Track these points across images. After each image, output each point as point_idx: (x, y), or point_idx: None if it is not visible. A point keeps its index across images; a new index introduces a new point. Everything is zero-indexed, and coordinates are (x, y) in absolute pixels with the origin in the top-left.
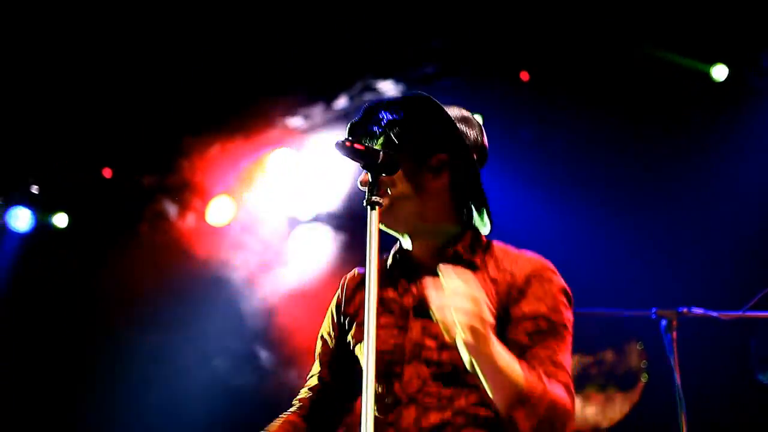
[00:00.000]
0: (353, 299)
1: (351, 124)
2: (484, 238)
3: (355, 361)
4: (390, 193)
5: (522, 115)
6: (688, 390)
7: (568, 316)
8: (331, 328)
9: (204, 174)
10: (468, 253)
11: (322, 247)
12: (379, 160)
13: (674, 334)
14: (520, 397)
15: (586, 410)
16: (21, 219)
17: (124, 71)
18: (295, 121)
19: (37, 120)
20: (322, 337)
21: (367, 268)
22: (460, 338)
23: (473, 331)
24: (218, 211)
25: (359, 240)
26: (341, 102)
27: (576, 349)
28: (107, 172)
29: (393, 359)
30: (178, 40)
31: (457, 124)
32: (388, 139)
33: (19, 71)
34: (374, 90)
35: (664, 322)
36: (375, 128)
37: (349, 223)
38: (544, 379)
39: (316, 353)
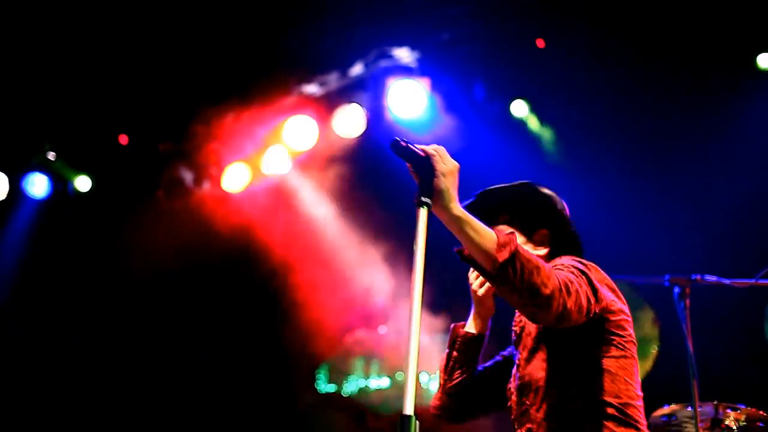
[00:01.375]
0: None
1: (473, 204)
2: None
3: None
4: None
5: (537, 83)
6: (700, 357)
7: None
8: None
9: (220, 141)
10: None
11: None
12: (429, 163)
13: (687, 301)
14: (501, 242)
15: None
16: (38, 185)
17: (141, 38)
18: (311, 89)
19: (53, 87)
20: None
21: (415, 262)
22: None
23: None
24: (234, 178)
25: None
26: (357, 69)
27: None
28: (123, 139)
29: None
30: (196, 8)
31: (557, 206)
32: (510, 217)
33: (37, 39)
34: (390, 57)
35: (677, 290)
36: (496, 208)
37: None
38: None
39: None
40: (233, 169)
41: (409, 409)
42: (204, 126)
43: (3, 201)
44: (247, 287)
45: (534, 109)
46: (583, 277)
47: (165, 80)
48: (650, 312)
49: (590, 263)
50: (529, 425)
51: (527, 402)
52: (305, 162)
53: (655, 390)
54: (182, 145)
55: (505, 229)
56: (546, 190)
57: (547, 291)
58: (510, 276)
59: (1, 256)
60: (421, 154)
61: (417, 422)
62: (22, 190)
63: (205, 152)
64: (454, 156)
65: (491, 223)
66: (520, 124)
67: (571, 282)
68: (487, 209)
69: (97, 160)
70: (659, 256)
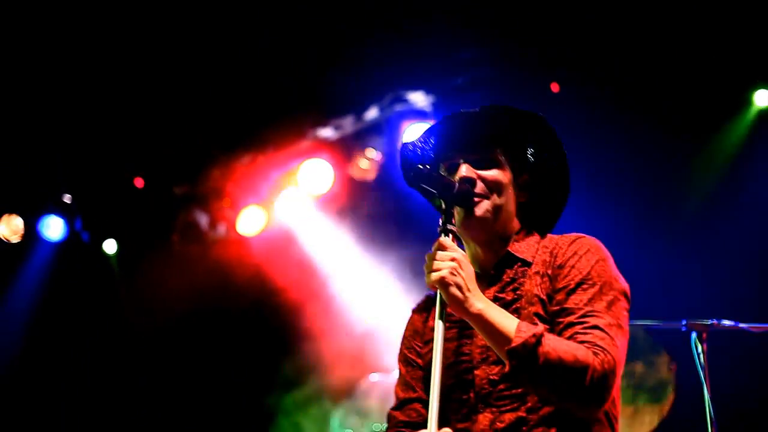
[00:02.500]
0: (427, 321)
1: (463, 114)
2: (537, 234)
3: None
4: (492, 199)
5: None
6: (717, 403)
7: (610, 279)
8: (414, 353)
9: (235, 184)
10: (520, 250)
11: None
12: (455, 190)
13: (704, 346)
14: (513, 351)
15: None
16: (53, 228)
17: (156, 81)
18: (326, 132)
19: (70, 130)
20: (406, 362)
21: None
22: (444, 295)
23: (450, 285)
24: (249, 221)
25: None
26: (372, 113)
27: None
28: (139, 182)
29: (464, 368)
30: (211, 51)
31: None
32: (506, 150)
33: (53, 81)
34: (405, 101)
35: (694, 334)
36: (490, 133)
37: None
38: (548, 335)
39: (399, 382)
40: (248, 213)
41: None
42: (219, 169)
43: (19, 243)
44: (262, 331)
45: None
46: (619, 342)
47: (181, 124)
48: (666, 356)
49: (620, 286)
50: (517, 411)
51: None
52: (321, 205)
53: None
54: (197, 189)
55: (530, 318)
56: (555, 136)
57: (574, 398)
58: (523, 380)
59: (16, 298)
60: (448, 179)
61: None
62: (37, 232)
63: (220, 196)
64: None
65: (485, 149)
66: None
67: (613, 366)
68: (488, 130)
69: (112, 203)
70: (676, 300)
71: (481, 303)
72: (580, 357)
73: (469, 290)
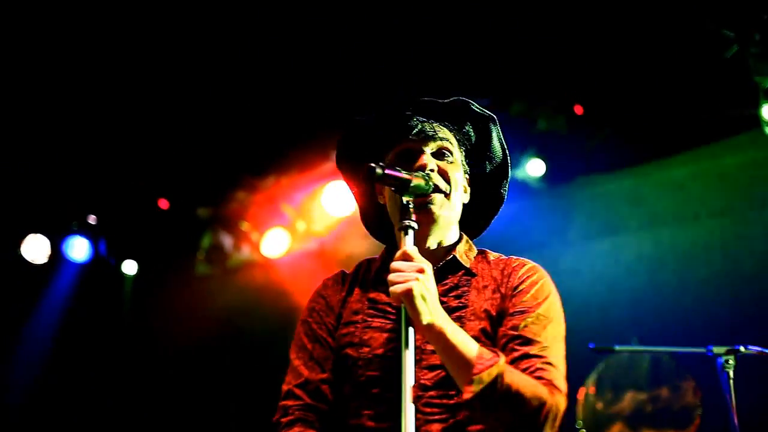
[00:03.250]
0: (347, 302)
1: (424, 102)
2: (474, 247)
3: (345, 363)
4: (449, 194)
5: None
6: (745, 428)
7: (561, 316)
8: (326, 330)
9: (259, 206)
10: (464, 259)
11: None
12: (411, 185)
13: (731, 372)
14: (471, 375)
15: None
16: (78, 249)
17: (182, 105)
18: None
19: (94, 151)
20: (315, 338)
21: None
22: (407, 310)
23: (417, 299)
24: (273, 243)
25: None
26: None
27: (631, 386)
28: (164, 204)
29: (390, 364)
30: (236, 75)
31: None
32: (462, 142)
33: (79, 104)
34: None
35: (720, 360)
36: (450, 124)
37: None
38: (508, 367)
39: (302, 359)
40: (273, 235)
41: None
42: (244, 191)
43: (44, 264)
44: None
45: (568, 172)
46: (555, 372)
47: (205, 146)
48: (692, 381)
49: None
50: (445, 422)
51: (456, 395)
52: (345, 227)
53: None
54: (222, 211)
55: (478, 342)
56: (503, 142)
57: (527, 427)
58: (476, 408)
59: (41, 318)
60: (402, 176)
61: None
62: (62, 253)
63: (244, 218)
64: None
65: (444, 140)
66: (553, 191)
67: (563, 406)
68: (449, 120)
69: (136, 225)
70: (702, 326)
71: (443, 320)
72: (538, 393)
73: (433, 305)
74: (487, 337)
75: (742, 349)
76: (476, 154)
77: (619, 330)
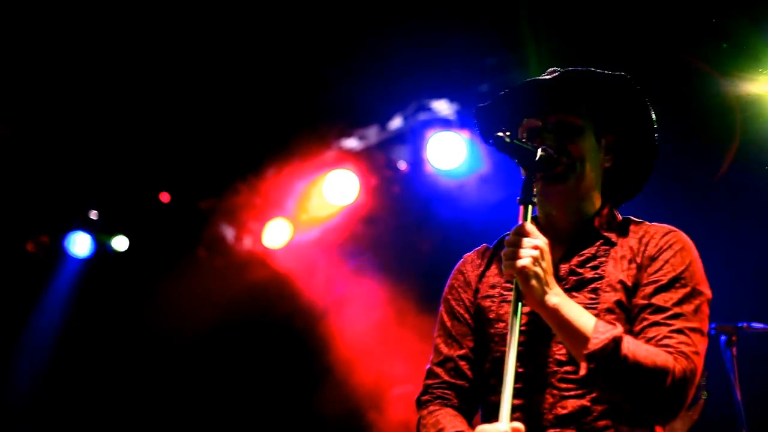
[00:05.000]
0: (485, 276)
1: (542, 79)
2: (619, 215)
3: (490, 340)
4: (577, 169)
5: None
6: (748, 405)
7: (701, 283)
8: (463, 306)
9: (260, 197)
10: (604, 228)
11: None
12: (537, 159)
13: (734, 350)
14: (591, 354)
15: None
16: (80, 244)
17: (180, 95)
18: (351, 143)
19: (95, 147)
20: (454, 315)
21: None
22: (522, 285)
23: (530, 277)
24: (275, 234)
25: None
26: (396, 122)
27: None
28: (165, 197)
29: (526, 339)
30: (236, 66)
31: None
32: (589, 111)
33: (78, 98)
34: (429, 110)
35: (723, 338)
36: (573, 98)
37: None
38: (626, 338)
39: (442, 337)
40: (274, 225)
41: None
42: (244, 182)
43: (46, 260)
44: (289, 345)
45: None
46: (688, 341)
47: (205, 137)
48: None
49: (706, 295)
50: (581, 398)
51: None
52: (346, 216)
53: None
54: (223, 202)
55: (612, 314)
56: (640, 93)
57: (652, 401)
58: (595, 382)
59: (44, 314)
60: (525, 148)
61: None
62: (64, 249)
63: (245, 208)
64: (495, 207)
65: (567, 110)
66: None
67: (693, 373)
68: (569, 91)
69: (138, 219)
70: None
71: (557, 297)
72: (659, 362)
73: (548, 283)
74: (623, 309)
75: (745, 326)
76: (616, 118)
77: None
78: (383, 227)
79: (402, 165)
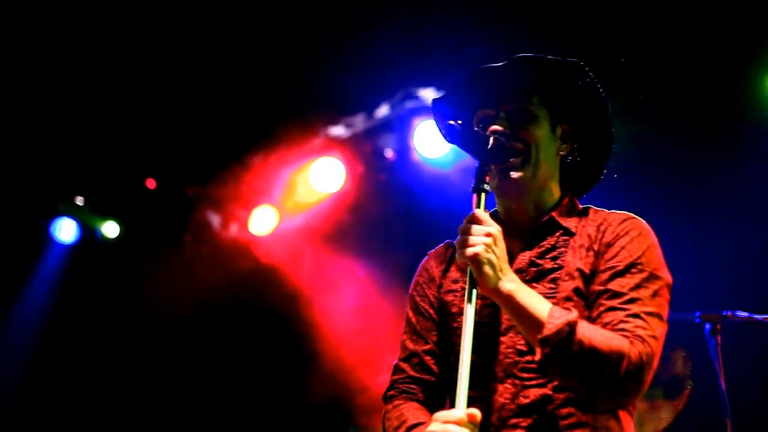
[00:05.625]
0: (448, 271)
1: (489, 66)
2: (579, 204)
3: (454, 334)
4: (532, 157)
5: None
6: (733, 395)
7: (658, 268)
8: (428, 302)
9: (247, 184)
10: (564, 218)
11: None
12: (489, 147)
13: (718, 338)
14: (545, 339)
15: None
16: (66, 231)
17: (166, 82)
18: (338, 130)
19: (80, 132)
20: (418, 311)
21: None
22: (475, 273)
23: (483, 263)
24: (261, 221)
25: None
26: (383, 110)
27: None
28: (151, 183)
29: (487, 331)
30: (221, 51)
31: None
32: (542, 99)
33: (63, 82)
34: (415, 98)
35: (708, 326)
36: (526, 85)
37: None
38: (582, 322)
39: (408, 333)
40: (260, 212)
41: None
42: (231, 169)
43: (31, 247)
44: (275, 331)
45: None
46: (646, 326)
47: (191, 124)
48: (681, 351)
49: (665, 280)
50: (543, 387)
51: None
52: (332, 204)
53: (688, 429)
54: (209, 189)
55: (570, 302)
56: (593, 79)
57: (608, 386)
58: (552, 369)
59: (29, 301)
60: (480, 135)
61: None
62: (50, 235)
63: (232, 195)
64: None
65: (520, 98)
66: None
67: (650, 357)
68: (522, 79)
69: (124, 205)
70: (688, 292)
71: (512, 283)
72: (614, 346)
73: (501, 270)
74: (581, 297)
75: (729, 315)
76: (571, 106)
77: None
78: (369, 215)
79: (389, 153)
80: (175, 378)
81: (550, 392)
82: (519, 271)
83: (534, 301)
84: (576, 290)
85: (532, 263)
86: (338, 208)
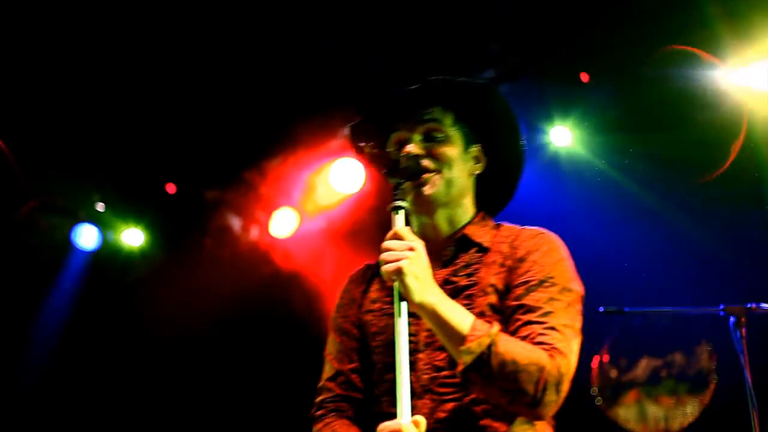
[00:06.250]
0: (367, 292)
1: (403, 89)
2: (492, 221)
3: (373, 353)
4: (444, 174)
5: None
6: (759, 388)
7: (570, 281)
8: (350, 322)
9: (267, 186)
10: (478, 235)
11: None
12: (401, 167)
13: (743, 330)
14: (467, 351)
15: (656, 413)
16: (87, 237)
17: (185, 86)
18: None
19: (100, 137)
20: (342, 331)
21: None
22: (398, 289)
23: (406, 276)
24: (282, 223)
25: None
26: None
27: (644, 349)
28: (171, 188)
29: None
30: (241, 53)
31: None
32: (457, 118)
33: (82, 89)
34: None
35: (732, 319)
36: (443, 99)
37: None
38: (502, 335)
39: (332, 353)
40: (280, 215)
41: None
42: (250, 172)
43: (54, 252)
44: (296, 335)
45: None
46: (574, 346)
47: (210, 127)
48: (706, 345)
49: (578, 293)
50: (459, 401)
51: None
52: (353, 205)
53: (715, 423)
54: (229, 193)
55: (484, 317)
56: (504, 100)
57: (528, 399)
58: (474, 380)
59: (52, 307)
60: (389, 157)
61: None
62: (71, 241)
63: (251, 198)
64: None
65: (432, 119)
66: (566, 156)
67: (568, 369)
68: (434, 101)
69: (144, 210)
70: (713, 285)
71: (435, 297)
72: (534, 358)
73: (425, 283)
74: (496, 311)
75: (753, 307)
76: (482, 126)
77: (629, 292)
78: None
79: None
80: (196, 383)
81: (467, 405)
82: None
83: (457, 314)
84: (490, 305)
85: (447, 281)
86: (359, 209)
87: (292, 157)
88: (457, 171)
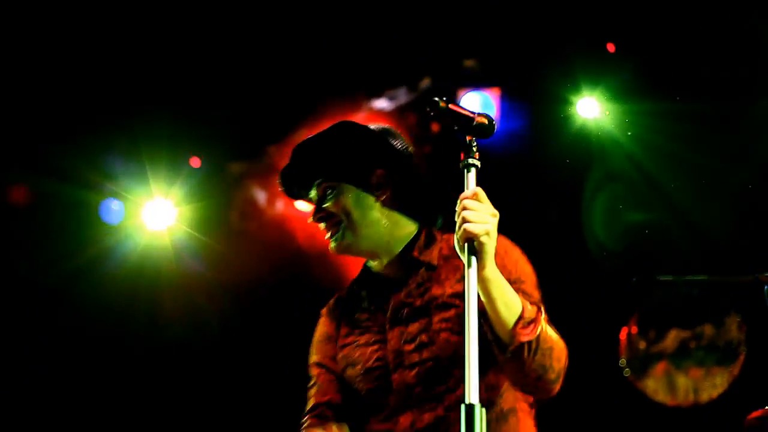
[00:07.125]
0: (340, 325)
1: (283, 172)
2: (438, 234)
3: (348, 383)
4: (344, 224)
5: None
6: None
7: (532, 273)
8: (328, 359)
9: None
10: (424, 254)
11: None
12: (474, 123)
13: None
14: (526, 320)
15: (685, 384)
16: (113, 212)
17: (208, 61)
18: (381, 103)
19: (122, 112)
20: (319, 366)
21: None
22: (476, 253)
23: (491, 241)
24: None
25: None
26: (425, 82)
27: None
28: (195, 162)
29: (380, 373)
30: (265, 25)
31: (388, 139)
32: (327, 176)
33: (106, 65)
34: (459, 68)
35: (766, 288)
36: (309, 170)
37: None
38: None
39: (317, 383)
40: None
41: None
42: (275, 145)
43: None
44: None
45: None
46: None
47: (234, 100)
48: (736, 316)
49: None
50: (435, 410)
51: (439, 384)
52: None
53: (747, 393)
54: (254, 165)
55: (530, 297)
56: (369, 127)
57: (553, 375)
58: (524, 356)
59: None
60: (469, 114)
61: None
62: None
63: (276, 171)
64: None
65: (318, 179)
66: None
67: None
68: (307, 171)
69: (169, 184)
70: (746, 253)
71: (497, 271)
72: (558, 339)
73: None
74: (460, 320)
75: None
76: (363, 156)
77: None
78: None
79: (433, 125)
80: (219, 358)
81: (443, 413)
82: (394, 313)
83: (509, 288)
84: (453, 317)
85: (403, 304)
86: None
87: (317, 129)
88: (357, 213)
